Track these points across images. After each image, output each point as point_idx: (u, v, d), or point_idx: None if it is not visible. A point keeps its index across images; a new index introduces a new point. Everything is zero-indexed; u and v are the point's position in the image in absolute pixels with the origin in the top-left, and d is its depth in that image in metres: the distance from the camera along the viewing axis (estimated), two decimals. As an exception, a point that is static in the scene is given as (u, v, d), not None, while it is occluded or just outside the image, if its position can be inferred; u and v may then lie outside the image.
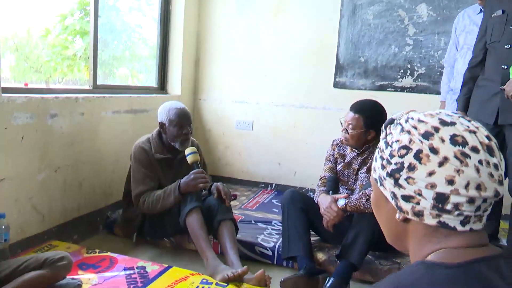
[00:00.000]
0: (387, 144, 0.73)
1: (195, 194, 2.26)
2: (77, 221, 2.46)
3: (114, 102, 2.69)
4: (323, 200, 2.16)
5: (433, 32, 3.19)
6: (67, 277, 1.75)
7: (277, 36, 3.57)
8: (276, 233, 2.53)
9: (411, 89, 3.29)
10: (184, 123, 2.34)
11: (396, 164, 0.69)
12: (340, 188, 2.37)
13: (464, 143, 0.64)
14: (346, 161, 2.35)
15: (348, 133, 2.24)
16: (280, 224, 2.32)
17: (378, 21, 3.30)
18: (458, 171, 0.64)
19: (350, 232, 2.06)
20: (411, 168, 0.67)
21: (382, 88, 3.35)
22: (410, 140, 0.68)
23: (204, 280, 1.87)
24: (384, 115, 2.28)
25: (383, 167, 0.72)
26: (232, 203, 3.20)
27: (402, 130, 0.71)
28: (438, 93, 3.20)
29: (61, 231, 2.33)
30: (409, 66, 3.27)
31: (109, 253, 2.11)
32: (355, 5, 3.34)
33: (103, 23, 3.83)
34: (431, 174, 0.65)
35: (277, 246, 2.34)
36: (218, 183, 2.33)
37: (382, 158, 0.73)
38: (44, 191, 2.20)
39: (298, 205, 2.26)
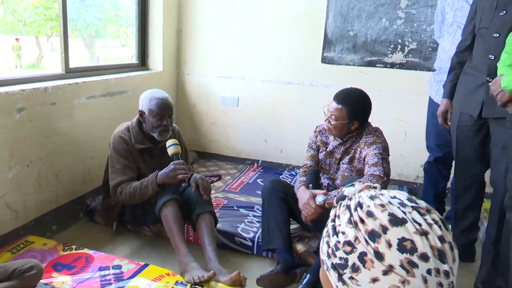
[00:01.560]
0: (334, 230, 0.67)
1: (173, 185, 2.22)
2: (56, 212, 2.43)
3: (89, 87, 2.58)
4: (302, 195, 2.12)
5: (426, 4, 3.01)
6: (40, 281, 1.74)
7: (262, 6, 3.38)
8: (257, 221, 2.52)
9: (401, 65, 3.16)
10: (164, 114, 2.26)
11: (340, 259, 0.64)
12: (322, 177, 2.32)
13: (413, 250, 0.58)
14: (328, 149, 2.28)
15: (331, 123, 2.16)
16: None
17: (368, -8, 3.11)
18: (403, 282, 0.58)
19: (328, 228, 2.04)
20: (355, 269, 0.61)
21: (371, 64, 3.22)
22: (356, 238, 0.62)
23: (179, 282, 1.86)
24: (369, 105, 2.19)
25: (329, 255, 0.67)
26: (216, 184, 3.19)
27: (350, 221, 0.64)
28: (429, 69, 3.08)
29: (38, 224, 2.31)
30: (399, 41, 3.12)
31: (85, 250, 2.09)
32: (344, -25, 3.13)
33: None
34: (374, 280, 0.60)
35: (257, 237, 2.33)
36: (198, 176, 2.27)
37: (328, 244, 0.67)
38: (17, 187, 2.15)
39: (279, 195, 2.23)
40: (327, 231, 0.69)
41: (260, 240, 2.27)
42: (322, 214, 2.10)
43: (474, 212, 2.29)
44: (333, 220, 0.69)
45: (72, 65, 2.65)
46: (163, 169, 2.19)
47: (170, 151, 2.22)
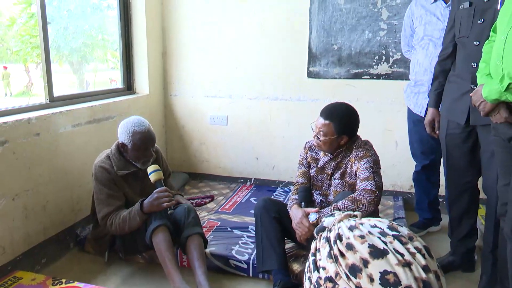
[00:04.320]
0: (315, 265, 0.64)
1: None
2: (44, 244, 2.36)
3: (74, 115, 2.54)
4: (295, 214, 2.09)
5: (407, 15, 3.03)
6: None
7: (245, 24, 3.39)
8: (251, 242, 2.47)
9: (387, 76, 3.17)
10: (148, 147, 2.23)
11: None
12: (314, 194, 2.29)
13: (396, 283, 0.56)
14: (319, 165, 2.26)
15: (320, 139, 2.14)
16: (256, 230, 2.26)
17: (349, 5, 3.13)
18: None
19: (323, 246, 2.00)
20: None
21: (357, 76, 3.23)
22: (337, 274, 0.59)
23: (173, 310, 1.81)
24: (356, 119, 2.18)
25: None
26: (209, 205, 3.15)
27: (330, 255, 0.62)
28: (415, 79, 3.10)
29: (27, 258, 2.24)
30: (384, 52, 3.14)
31: (76, 283, 2.03)
32: (325, -10, 3.16)
33: (68, 9, 3.60)
34: None
35: (251, 259, 2.28)
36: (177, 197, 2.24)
37: (310, 280, 0.65)
38: (3, 222, 2.09)
39: (271, 214, 2.20)
40: (308, 266, 0.66)
41: (255, 262, 2.23)
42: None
43: (470, 219, 2.26)
44: (314, 254, 0.66)
45: (59, 92, 2.62)
46: (148, 197, 2.15)
47: (152, 177, 2.19)
